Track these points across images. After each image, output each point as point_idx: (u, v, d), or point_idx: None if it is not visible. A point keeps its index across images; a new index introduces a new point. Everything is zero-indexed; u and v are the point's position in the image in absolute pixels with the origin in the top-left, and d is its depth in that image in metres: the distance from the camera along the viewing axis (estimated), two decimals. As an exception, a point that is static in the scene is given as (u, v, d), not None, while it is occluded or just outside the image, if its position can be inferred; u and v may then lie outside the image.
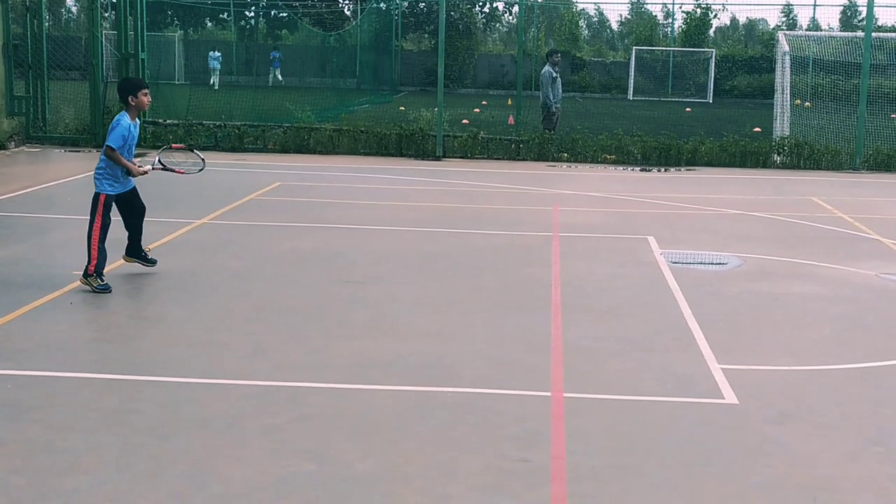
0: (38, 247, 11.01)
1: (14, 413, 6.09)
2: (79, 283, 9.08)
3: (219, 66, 46.18)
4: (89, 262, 9.04)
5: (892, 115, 25.55)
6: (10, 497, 4.99)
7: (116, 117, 9.34)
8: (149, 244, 10.89)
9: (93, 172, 9.59)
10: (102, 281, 9.03)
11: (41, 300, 8.60)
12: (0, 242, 11.05)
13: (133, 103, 9.27)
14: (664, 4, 57.21)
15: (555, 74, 21.24)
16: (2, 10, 19.79)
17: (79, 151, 19.88)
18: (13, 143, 20.03)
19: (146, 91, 9.39)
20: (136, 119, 9.48)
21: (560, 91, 21.46)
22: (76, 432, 5.81)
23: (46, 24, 21.48)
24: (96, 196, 9.27)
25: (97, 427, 5.91)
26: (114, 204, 9.39)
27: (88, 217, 9.22)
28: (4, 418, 6.00)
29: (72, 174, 16.58)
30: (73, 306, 8.53)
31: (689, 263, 11.06)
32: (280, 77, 45.97)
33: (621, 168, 20.03)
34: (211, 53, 46.84)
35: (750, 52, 51.63)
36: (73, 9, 63.38)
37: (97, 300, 8.75)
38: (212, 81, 44.28)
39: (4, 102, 19.96)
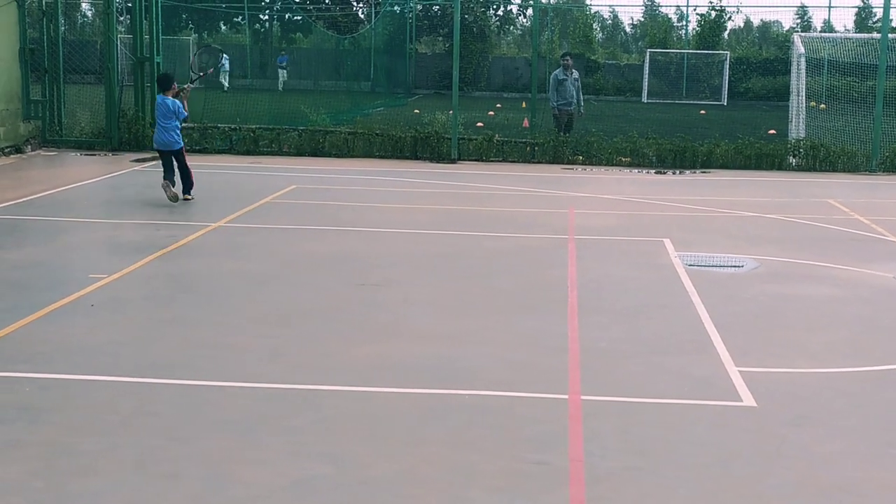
0: (56, 250, 11.05)
1: (33, 415, 6.11)
2: (187, 199, 14.04)
3: (286, 69, 46.39)
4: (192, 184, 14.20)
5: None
6: (30, 499, 5.01)
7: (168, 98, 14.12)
8: (159, 250, 10.98)
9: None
10: None
11: (59, 303, 8.64)
12: (17, 245, 11.09)
13: (175, 89, 14.35)
14: (678, 7, 57.10)
15: (562, 77, 21.16)
16: (19, 15, 19.88)
17: (94, 155, 19.93)
18: (30, 146, 20.11)
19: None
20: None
21: (572, 93, 21.30)
22: (94, 435, 5.83)
23: (62, 28, 21.54)
24: (181, 149, 14.22)
25: (115, 430, 5.93)
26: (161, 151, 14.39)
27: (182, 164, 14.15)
28: (23, 420, 6.02)
29: (88, 177, 16.63)
30: (92, 309, 8.55)
31: (705, 266, 11.03)
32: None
33: (636, 170, 19.99)
34: (281, 57, 47.28)
35: (764, 54, 51.44)
36: (89, 13, 63.65)
37: (116, 303, 8.78)
38: (281, 82, 44.76)
39: (21, 106, 20.04)
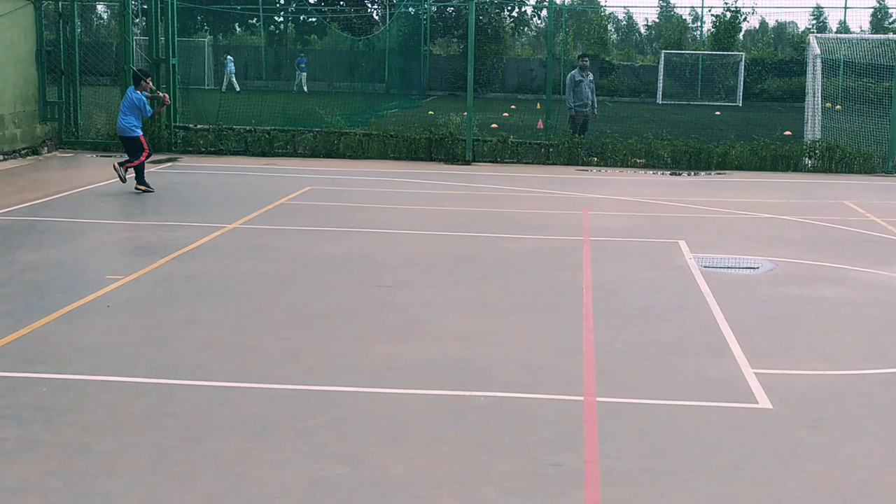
0: (72, 251, 11.10)
1: (49, 416, 6.14)
2: (116, 168, 15.19)
3: (305, 70, 46.56)
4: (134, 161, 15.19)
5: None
6: (47, 499, 5.03)
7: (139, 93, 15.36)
8: (175, 251, 11.01)
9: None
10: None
11: (75, 304, 8.67)
12: (34, 247, 11.14)
13: (145, 86, 15.58)
14: (692, 8, 56.94)
15: (578, 78, 21.14)
16: (35, 17, 19.99)
17: (110, 157, 19.96)
18: (46, 148, 20.21)
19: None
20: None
21: (587, 95, 21.29)
22: (111, 435, 5.85)
23: (78, 30, 21.63)
24: (138, 137, 15.30)
25: (131, 430, 5.95)
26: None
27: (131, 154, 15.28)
28: (40, 421, 6.05)
29: (104, 179, 16.68)
30: (108, 310, 8.58)
31: (721, 267, 11.00)
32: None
33: (651, 172, 19.96)
34: (299, 58, 47.45)
35: (780, 55, 51.28)
36: (105, 15, 63.85)
37: (132, 304, 8.81)
38: (300, 85, 44.92)
39: (38, 108, 20.15)
